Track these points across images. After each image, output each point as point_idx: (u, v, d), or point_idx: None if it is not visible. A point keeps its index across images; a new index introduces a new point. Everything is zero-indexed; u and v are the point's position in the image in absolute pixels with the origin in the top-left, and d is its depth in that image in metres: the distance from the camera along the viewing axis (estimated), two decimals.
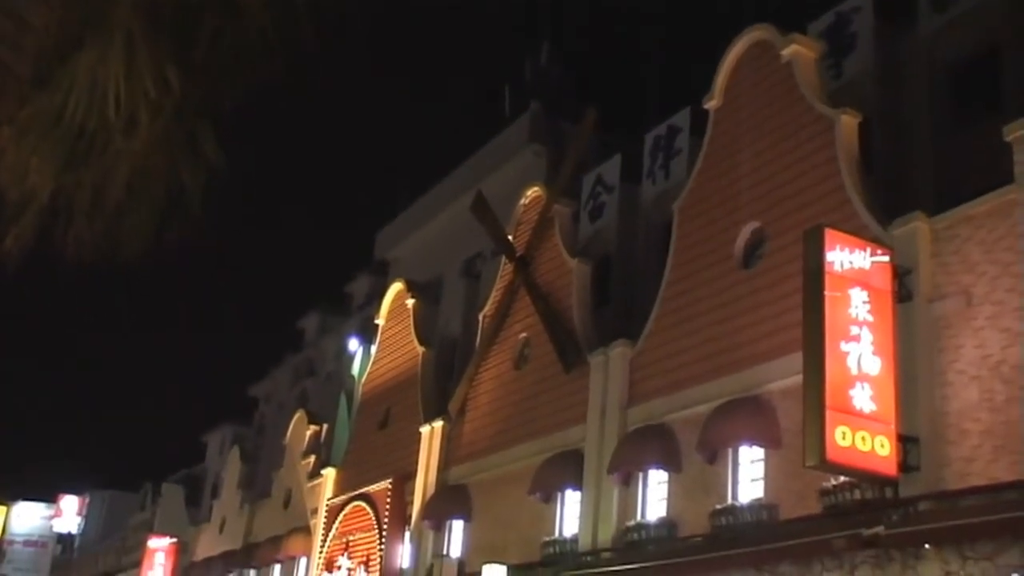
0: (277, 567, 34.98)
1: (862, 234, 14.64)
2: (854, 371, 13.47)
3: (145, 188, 6.32)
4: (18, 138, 5.96)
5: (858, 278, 13.96)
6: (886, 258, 14.30)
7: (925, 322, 14.17)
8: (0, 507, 70.11)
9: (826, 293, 13.69)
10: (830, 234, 14.09)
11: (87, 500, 71.00)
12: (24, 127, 5.94)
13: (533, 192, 24.93)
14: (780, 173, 17.36)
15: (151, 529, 48.35)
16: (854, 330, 13.67)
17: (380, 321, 31.45)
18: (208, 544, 42.78)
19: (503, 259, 25.38)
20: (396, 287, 31.08)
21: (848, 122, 16.29)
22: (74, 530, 70.87)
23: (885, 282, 14.19)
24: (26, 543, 75.85)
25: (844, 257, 13.96)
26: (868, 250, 14.21)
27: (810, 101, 17.00)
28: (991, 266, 13.62)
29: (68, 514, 70.94)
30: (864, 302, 13.87)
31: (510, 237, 25.14)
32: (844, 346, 13.53)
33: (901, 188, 16.09)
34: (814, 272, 13.93)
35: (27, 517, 75.44)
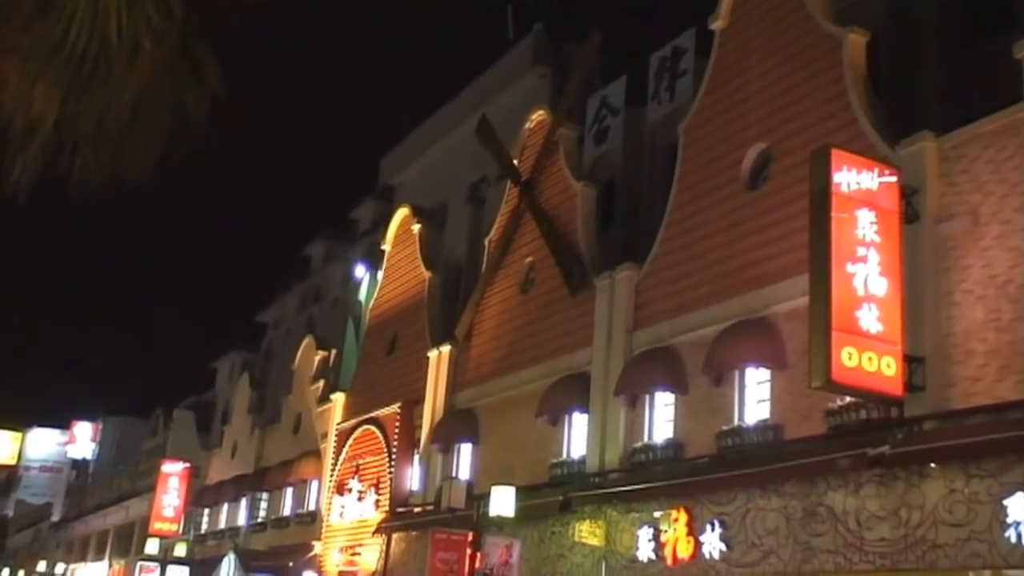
0: (289, 490, 35.46)
1: (869, 154, 14.54)
2: (860, 292, 13.48)
3: (149, 115, 6.30)
4: (21, 66, 5.94)
5: (865, 199, 13.90)
6: (893, 178, 14.22)
7: (932, 242, 14.15)
8: (16, 433, 71.05)
9: (833, 214, 13.64)
10: (837, 155, 14.00)
11: (100, 426, 71.82)
12: (27, 55, 5.91)
13: (538, 115, 24.75)
14: (787, 93, 17.20)
15: (164, 454, 48.94)
16: (861, 251, 13.65)
17: (386, 247, 31.48)
18: (220, 468, 43.35)
19: (508, 183, 25.29)
20: (401, 212, 31.04)
21: (855, 41, 16.09)
22: (89, 456, 71.80)
23: (892, 202, 14.13)
24: (42, 469, 76.98)
25: (851, 178, 13.88)
26: (875, 170, 14.12)
27: (817, 20, 16.77)
28: (999, 185, 13.55)
29: (82, 440, 71.84)
30: (871, 223, 13.82)
31: (515, 161, 25.03)
32: (851, 267, 13.53)
33: (909, 107, 15.93)
34: (821, 193, 13.86)
35: (42, 443, 76.45)
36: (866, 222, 13.79)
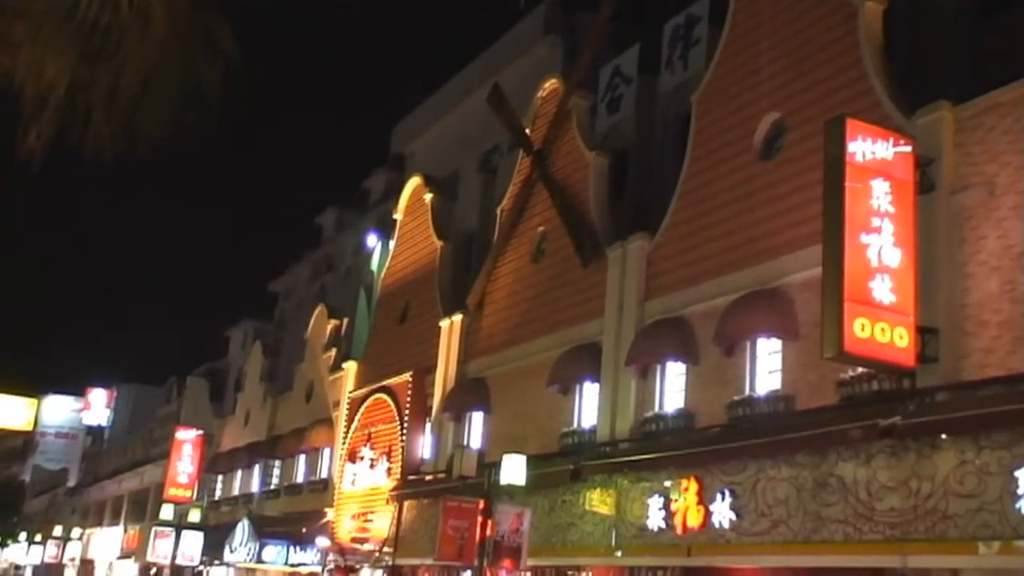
0: (302, 458, 35.67)
1: (884, 124, 14.43)
2: (874, 263, 13.43)
3: (161, 83, 6.30)
4: (32, 32, 5.93)
5: (880, 169, 13.82)
6: (908, 148, 14.12)
7: (947, 213, 14.07)
8: (31, 400, 71.56)
9: (847, 184, 13.56)
10: (852, 124, 13.90)
11: (115, 394, 72.29)
12: (38, 20, 5.90)
13: (550, 84, 24.62)
14: (801, 62, 17.07)
15: (177, 421, 49.22)
16: (875, 221, 13.58)
17: (398, 216, 31.47)
18: (233, 436, 43.62)
19: (520, 153, 25.21)
20: (413, 182, 31.00)
21: (872, 8, 15.94)
22: (104, 423, 72.34)
23: (907, 173, 14.04)
24: (57, 435, 77.69)
25: (866, 147, 13.79)
26: (890, 140, 14.02)
27: None
28: (1016, 156, 13.45)
29: (97, 407, 72.35)
30: (885, 193, 13.74)
31: (527, 130, 24.93)
32: (864, 238, 13.46)
33: (925, 76, 15.79)
34: (835, 163, 13.78)
35: (57, 410, 77.09)
36: (880, 192, 13.72)
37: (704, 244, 18.48)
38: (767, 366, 16.92)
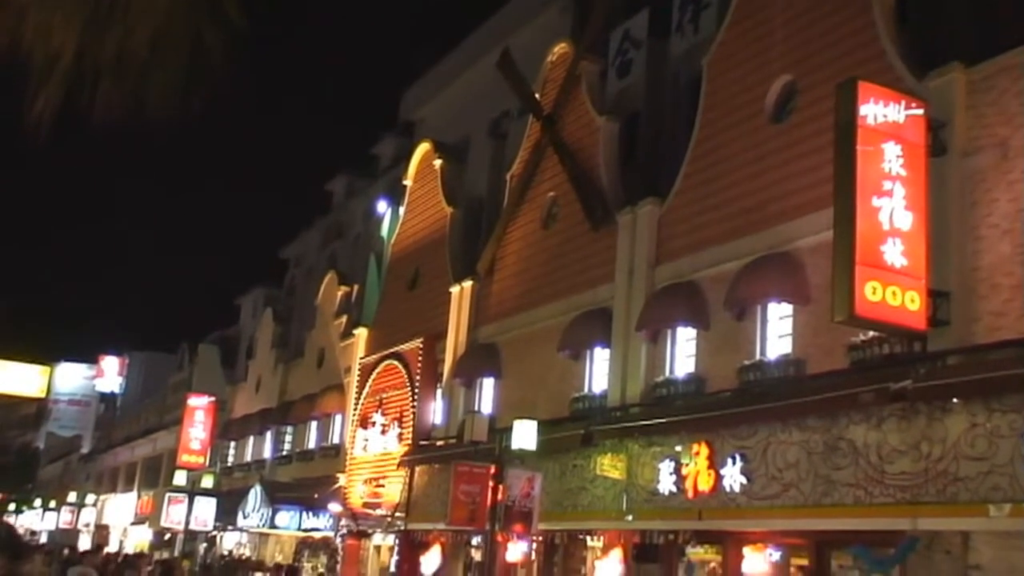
0: (313, 424, 35.88)
1: (896, 86, 14.32)
2: (885, 226, 13.37)
3: (169, 48, 6.27)
4: None
5: (891, 132, 13.73)
6: (920, 111, 14.02)
7: (959, 176, 13.99)
8: (44, 368, 71.94)
9: (858, 147, 13.48)
10: (863, 87, 13.79)
11: (127, 361, 72.68)
12: None
13: (560, 49, 24.47)
14: (813, 25, 16.93)
15: (189, 388, 49.52)
16: (886, 185, 13.51)
17: (407, 182, 31.43)
18: (245, 402, 43.86)
19: (530, 118, 25.10)
20: (423, 148, 30.93)
21: None
22: (116, 390, 72.79)
23: (919, 136, 13.95)
24: (70, 402, 78.23)
25: (877, 110, 13.69)
26: (902, 103, 13.91)
27: None
28: None
29: (109, 374, 72.79)
30: (897, 156, 13.66)
31: (537, 95, 24.81)
32: (876, 201, 13.40)
33: (937, 39, 15.63)
34: (846, 126, 13.69)
35: (70, 377, 77.58)
36: (892, 155, 13.63)
37: (715, 208, 18.42)
38: (778, 330, 16.91)
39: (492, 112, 30.00)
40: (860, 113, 13.57)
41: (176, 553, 40.82)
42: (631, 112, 22.84)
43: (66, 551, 36.78)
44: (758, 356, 16.94)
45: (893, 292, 13.16)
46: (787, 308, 16.70)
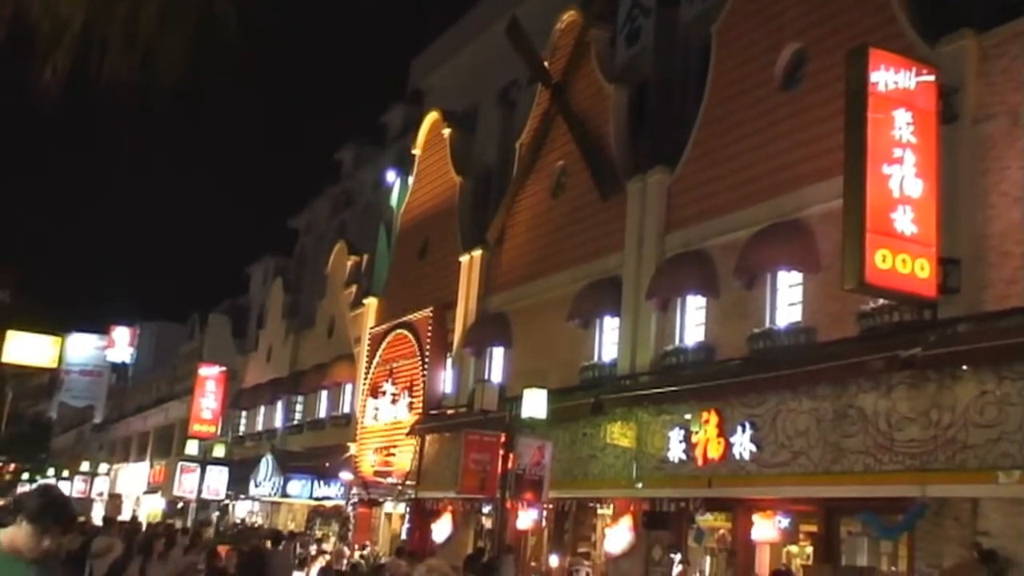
0: (324, 393, 36.01)
1: (907, 53, 14.21)
2: (896, 194, 13.32)
3: (178, 18, 6.25)
4: None
5: (902, 99, 13.64)
6: (931, 78, 13.92)
7: (970, 143, 13.91)
8: (55, 338, 72.18)
9: (869, 115, 13.40)
10: (875, 53, 13.69)
11: (138, 331, 72.93)
12: None
13: (568, 16, 24.31)
14: None
15: (200, 358, 49.68)
16: (897, 152, 13.44)
17: (416, 151, 31.37)
18: (256, 372, 44.03)
19: (539, 86, 25.00)
20: (432, 117, 30.84)
21: None
22: (127, 360, 73.08)
23: (930, 103, 13.86)
24: (82, 372, 78.59)
25: (888, 77, 13.60)
26: (913, 70, 13.81)
27: None
28: None
29: (120, 344, 73.08)
30: (908, 123, 13.58)
31: (546, 63, 24.69)
32: (886, 168, 13.34)
33: (948, 5, 15.49)
34: (857, 93, 13.60)
35: (81, 348, 77.88)
36: (903, 122, 13.55)
37: (725, 176, 18.36)
38: (788, 298, 16.89)
39: (501, 80, 29.89)
40: (871, 80, 13.48)
41: (188, 523, 41.16)
42: (640, 80, 22.72)
43: (81, 519, 37.08)
44: (768, 324, 16.94)
45: (903, 260, 13.13)
46: (797, 276, 16.67)
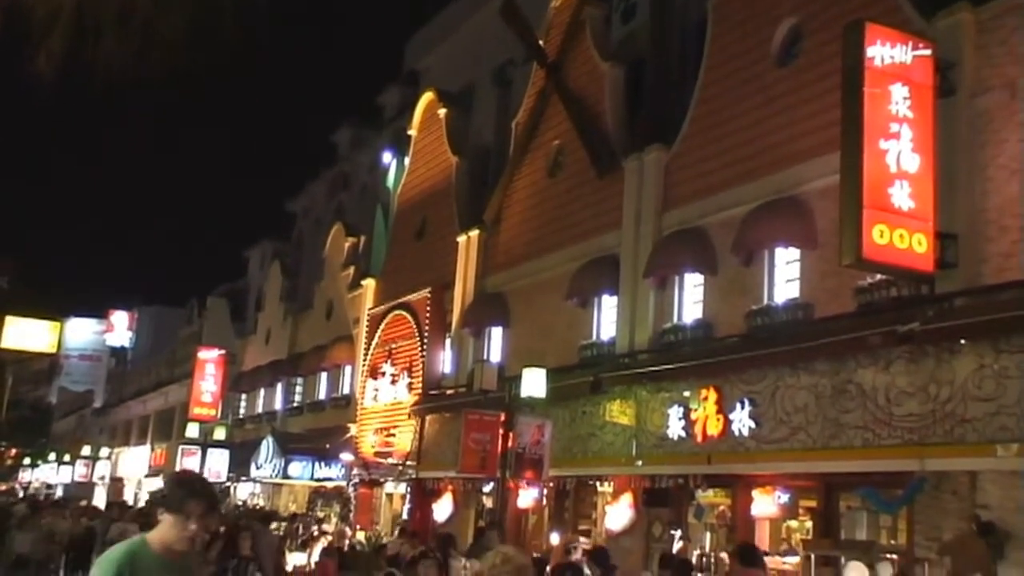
0: (323, 375, 36.06)
1: (904, 27, 14.16)
2: (893, 169, 13.31)
3: (173, 2, 6.23)
4: None
5: (899, 73, 13.61)
6: (928, 52, 13.88)
7: (967, 117, 13.90)
8: (54, 323, 72.23)
9: (865, 89, 13.36)
10: (871, 28, 13.65)
11: (136, 315, 72.91)
12: None
13: None
14: None
15: (199, 342, 49.73)
16: (894, 127, 13.42)
17: (412, 132, 31.29)
18: (255, 355, 44.07)
19: (534, 65, 24.93)
20: (427, 97, 30.75)
21: None
22: (127, 344, 73.09)
23: (927, 77, 13.83)
24: (81, 357, 78.53)
25: (885, 52, 13.56)
26: (910, 44, 13.77)
27: None
28: None
29: (119, 329, 73.06)
30: (904, 98, 13.55)
31: (541, 42, 24.61)
32: (883, 143, 13.32)
33: None
34: (853, 68, 13.57)
35: (80, 332, 77.75)
36: (899, 97, 13.52)
37: (722, 153, 18.34)
38: (785, 275, 16.91)
39: (496, 60, 29.79)
40: (867, 55, 13.44)
41: None
42: (636, 57, 22.65)
43: (83, 502, 37.23)
44: (766, 301, 16.96)
45: (900, 235, 13.13)
46: (794, 252, 16.68)
